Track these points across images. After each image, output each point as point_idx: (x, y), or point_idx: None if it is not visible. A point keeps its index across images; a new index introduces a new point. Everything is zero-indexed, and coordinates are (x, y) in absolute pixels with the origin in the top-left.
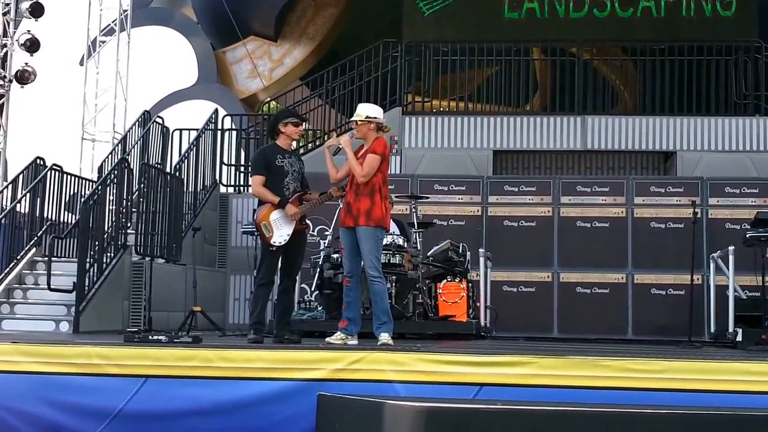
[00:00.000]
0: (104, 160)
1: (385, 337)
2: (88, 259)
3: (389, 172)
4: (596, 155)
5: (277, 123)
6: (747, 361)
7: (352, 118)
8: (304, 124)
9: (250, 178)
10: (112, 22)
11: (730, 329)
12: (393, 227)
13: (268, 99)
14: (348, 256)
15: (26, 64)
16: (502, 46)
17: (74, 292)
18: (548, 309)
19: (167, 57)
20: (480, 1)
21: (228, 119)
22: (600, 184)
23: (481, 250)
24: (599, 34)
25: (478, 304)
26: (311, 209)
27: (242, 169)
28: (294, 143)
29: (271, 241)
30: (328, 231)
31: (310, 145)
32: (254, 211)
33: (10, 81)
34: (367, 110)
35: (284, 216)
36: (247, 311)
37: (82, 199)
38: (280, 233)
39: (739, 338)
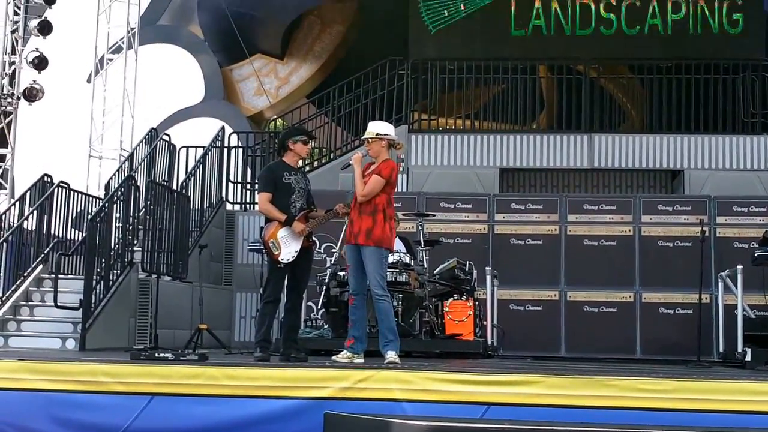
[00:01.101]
0: (111, 178)
1: (391, 356)
2: (94, 277)
3: (397, 190)
4: (603, 173)
5: (287, 139)
6: (756, 381)
7: (364, 136)
8: (311, 142)
9: (256, 195)
10: (120, 39)
11: (739, 349)
12: (399, 245)
13: (275, 117)
14: (353, 274)
15: (34, 81)
16: (508, 64)
17: (81, 310)
18: (555, 328)
19: (174, 74)
20: (486, 18)
21: (234, 137)
22: (607, 203)
23: (487, 268)
24: (606, 51)
25: (484, 322)
26: (318, 226)
27: (248, 186)
28: (300, 161)
29: (279, 258)
30: (334, 248)
31: (316, 162)
32: (261, 228)
33: (18, 98)
34: (377, 128)
35: (291, 233)
36: (253, 329)
37: (89, 217)
38: (288, 250)
39: (748, 358)
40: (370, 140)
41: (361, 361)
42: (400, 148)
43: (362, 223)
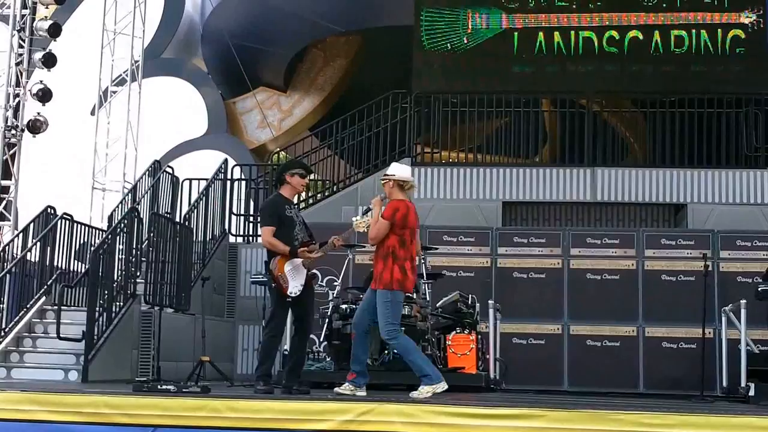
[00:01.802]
0: (114, 210)
1: (416, 393)
2: (97, 308)
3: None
4: (606, 207)
5: (285, 173)
6: (759, 416)
7: (380, 178)
8: (309, 175)
9: (259, 228)
10: (124, 72)
11: (743, 384)
12: None
13: (278, 149)
14: (359, 309)
15: (38, 113)
16: (511, 98)
17: (83, 341)
18: (558, 362)
19: (177, 107)
20: (490, 52)
21: (237, 169)
22: (610, 237)
23: (490, 301)
24: (609, 85)
25: (487, 356)
26: (320, 258)
27: (251, 219)
28: (303, 194)
29: (288, 292)
30: (337, 282)
31: (318, 195)
32: (266, 262)
33: (22, 130)
34: (389, 169)
35: (297, 267)
36: (256, 361)
37: (92, 248)
38: (295, 283)
39: (751, 393)
40: (382, 182)
41: (363, 394)
42: (408, 188)
43: (376, 267)
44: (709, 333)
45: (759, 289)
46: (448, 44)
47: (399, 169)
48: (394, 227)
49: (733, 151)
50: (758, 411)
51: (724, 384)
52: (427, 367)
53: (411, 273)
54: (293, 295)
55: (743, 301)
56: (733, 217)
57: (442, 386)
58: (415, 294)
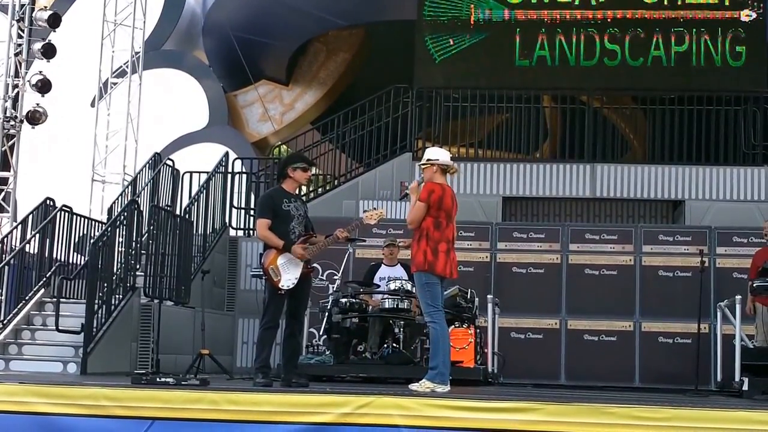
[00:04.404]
0: (114, 202)
1: (416, 384)
2: (96, 301)
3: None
4: (605, 203)
5: (287, 166)
6: (753, 410)
7: (419, 164)
8: (312, 169)
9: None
10: (124, 64)
11: (737, 378)
12: (402, 272)
13: (279, 143)
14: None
15: (37, 104)
16: (512, 94)
17: (82, 334)
18: (555, 356)
19: (178, 99)
20: (491, 48)
21: (238, 162)
22: (609, 232)
23: (489, 296)
24: (610, 82)
25: (485, 350)
26: (318, 252)
27: (252, 212)
28: (304, 188)
29: (279, 285)
30: (336, 275)
31: (320, 189)
32: (261, 255)
33: (21, 121)
34: (428, 154)
35: (291, 260)
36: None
37: (92, 241)
38: (288, 277)
39: (745, 387)
40: (422, 167)
41: (442, 390)
42: (452, 172)
43: (412, 249)
44: (705, 328)
45: (754, 284)
46: (450, 39)
47: (441, 154)
48: (430, 209)
49: (731, 149)
50: (751, 405)
51: (719, 378)
52: (441, 363)
53: (444, 255)
54: (285, 288)
55: (738, 297)
56: (730, 214)
57: (444, 388)
58: (414, 288)
